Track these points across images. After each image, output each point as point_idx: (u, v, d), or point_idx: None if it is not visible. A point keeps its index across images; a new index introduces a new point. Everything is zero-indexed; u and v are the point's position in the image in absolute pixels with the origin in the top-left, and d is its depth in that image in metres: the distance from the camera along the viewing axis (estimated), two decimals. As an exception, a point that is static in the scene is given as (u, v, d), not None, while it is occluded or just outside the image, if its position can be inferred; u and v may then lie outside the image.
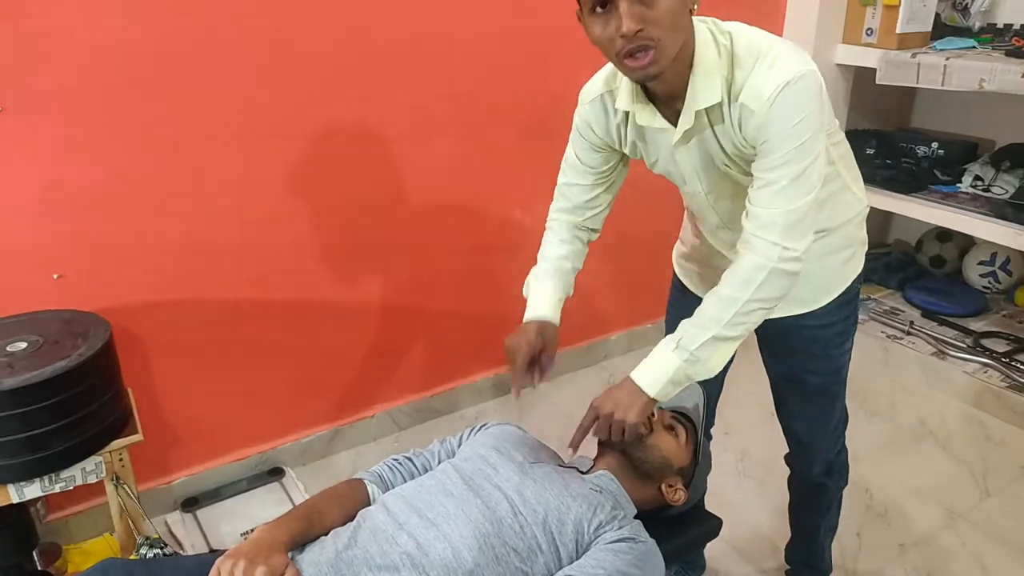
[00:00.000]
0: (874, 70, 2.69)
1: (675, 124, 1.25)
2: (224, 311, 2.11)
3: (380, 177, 2.24)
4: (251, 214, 2.06)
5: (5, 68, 1.68)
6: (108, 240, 1.89)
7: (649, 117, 1.27)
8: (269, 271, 2.14)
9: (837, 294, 1.49)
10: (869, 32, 2.75)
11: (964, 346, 2.82)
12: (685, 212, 1.63)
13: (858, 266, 1.52)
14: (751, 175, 1.28)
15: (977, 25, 2.86)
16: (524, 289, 1.49)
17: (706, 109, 1.22)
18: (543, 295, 1.45)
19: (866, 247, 1.54)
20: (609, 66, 1.35)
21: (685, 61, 1.18)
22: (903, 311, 3.10)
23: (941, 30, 2.82)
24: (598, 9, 1.11)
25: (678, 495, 1.43)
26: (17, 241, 1.79)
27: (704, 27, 1.20)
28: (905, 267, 3.30)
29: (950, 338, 2.87)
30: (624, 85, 1.28)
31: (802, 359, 1.56)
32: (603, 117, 1.37)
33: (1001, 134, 2.99)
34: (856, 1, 2.78)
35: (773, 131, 1.17)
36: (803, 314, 1.47)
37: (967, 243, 3.17)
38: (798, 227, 1.21)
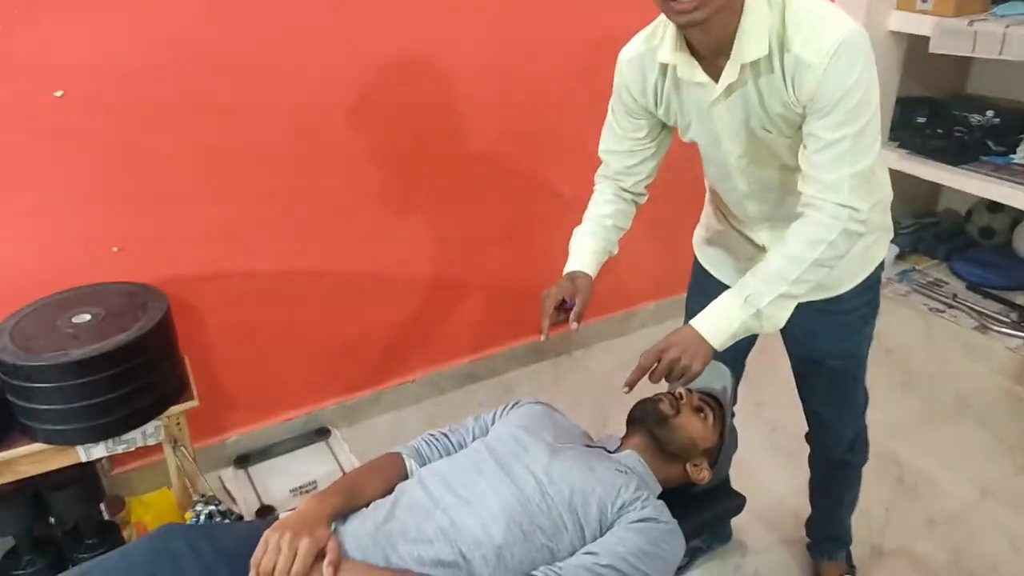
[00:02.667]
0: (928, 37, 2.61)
1: (716, 80, 1.26)
2: (273, 281, 2.20)
3: (422, 147, 2.28)
4: (298, 188, 2.14)
5: (67, 53, 1.76)
6: (164, 215, 1.99)
7: (690, 71, 1.27)
8: (314, 242, 2.23)
9: (860, 280, 1.50)
10: (924, -2, 2.66)
11: (1008, 321, 2.78)
12: (707, 195, 1.64)
13: (881, 252, 1.52)
14: (789, 138, 1.28)
15: (1044, -13, 2.74)
16: (569, 248, 1.53)
17: (751, 63, 1.22)
18: (580, 250, 1.50)
19: (890, 233, 1.54)
20: (649, 27, 1.36)
21: (733, 12, 1.18)
22: (947, 283, 3.05)
23: (1005, -8, 2.72)
24: None
25: (703, 475, 1.48)
26: (80, 217, 1.90)
27: None
28: (953, 237, 3.24)
29: (994, 312, 2.83)
30: (668, 37, 1.28)
31: (824, 344, 1.58)
32: (640, 77, 1.38)
33: (1063, 101, 2.89)
34: (912, -35, 2.69)
35: (834, 86, 1.17)
36: (826, 300, 1.49)
37: (1019, 214, 3.09)
38: (863, 188, 1.24)
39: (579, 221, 1.55)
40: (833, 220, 1.23)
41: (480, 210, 2.47)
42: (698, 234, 1.69)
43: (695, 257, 1.69)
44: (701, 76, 1.27)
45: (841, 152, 1.20)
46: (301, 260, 2.23)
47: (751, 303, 1.26)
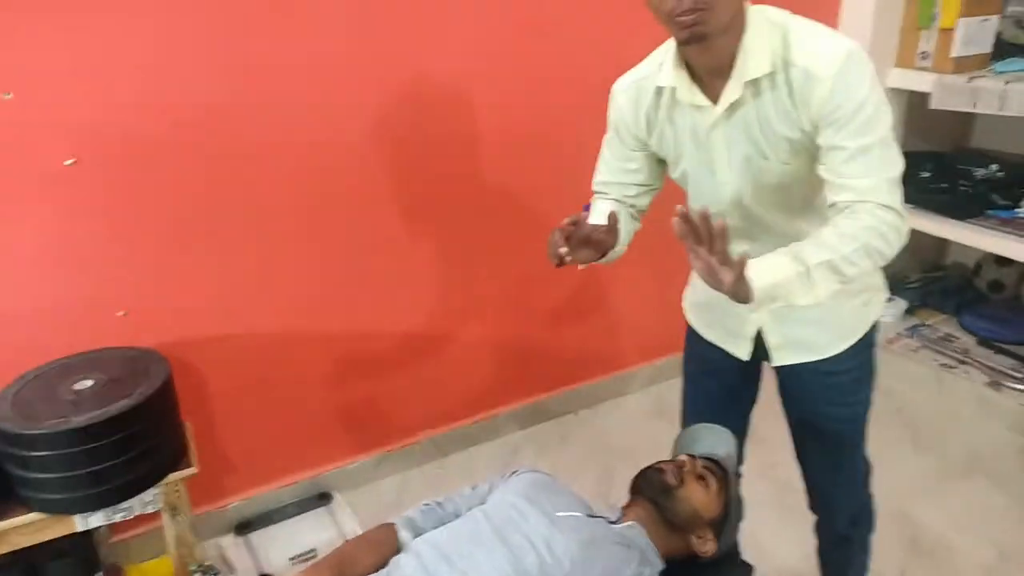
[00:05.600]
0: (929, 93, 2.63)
1: (715, 104, 1.27)
2: (275, 342, 2.20)
3: (424, 208, 2.30)
4: (301, 250, 2.15)
5: (79, 118, 1.78)
6: (169, 278, 2.00)
7: (690, 93, 1.28)
8: (317, 303, 2.23)
9: (852, 342, 1.47)
10: (924, 56, 2.69)
11: (1021, 376, 2.73)
12: None
13: (875, 313, 1.50)
14: (787, 164, 1.28)
15: (1041, 44, 2.77)
16: None
17: (753, 81, 1.22)
18: (591, 216, 1.42)
19: (884, 293, 1.51)
20: (644, 62, 1.39)
21: (735, 34, 1.21)
22: (958, 338, 3.01)
23: (1003, 49, 2.74)
24: None
25: (708, 547, 1.44)
26: (86, 281, 1.91)
27: (756, 8, 1.23)
28: (962, 291, 3.20)
29: (1006, 368, 2.78)
30: (668, 61, 1.29)
31: (819, 407, 1.54)
32: (634, 105, 1.39)
33: (1067, 154, 2.88)
34: (911, 24, 2.72)
35: (848, 97, 1.18)
36: (819, 360, 1.46)
37: (1028, 267, 3.07)
38: (899, 194, 1.22)
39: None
40: (883, 213, 1.19)
41: (483, 269, 2.47)
42: (688, 297, 1.66)
43: (687, 322, 1.65)
44: (701, 99, 1.28)
45: (871, 159, 1.20)
46: (303, 322, 2.23)
47: (800, 260, 1.17)
